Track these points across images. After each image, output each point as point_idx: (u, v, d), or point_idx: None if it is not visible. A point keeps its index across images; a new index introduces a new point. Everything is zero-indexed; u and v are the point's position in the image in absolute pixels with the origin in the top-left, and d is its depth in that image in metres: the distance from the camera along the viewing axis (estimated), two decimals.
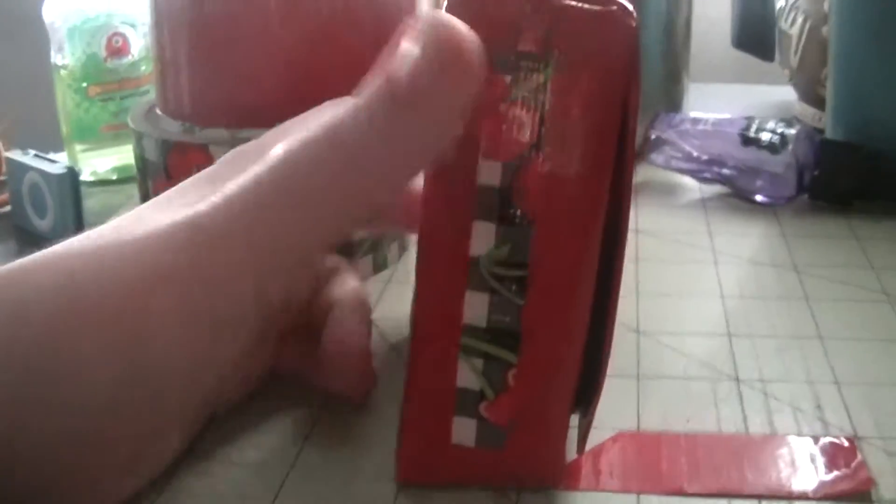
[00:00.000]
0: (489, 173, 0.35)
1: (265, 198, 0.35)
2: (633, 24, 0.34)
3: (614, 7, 0.34)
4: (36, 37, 0.84)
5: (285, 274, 0.37)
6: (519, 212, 0.35)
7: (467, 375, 0.37)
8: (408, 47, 0.34)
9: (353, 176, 0.35)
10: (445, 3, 0.35)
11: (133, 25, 0.78)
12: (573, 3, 0.34)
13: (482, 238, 0.35)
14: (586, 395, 0.39)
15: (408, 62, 0.34)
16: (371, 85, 0.35)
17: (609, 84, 0.34)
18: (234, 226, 0.35)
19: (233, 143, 0.52)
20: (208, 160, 0.52)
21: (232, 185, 0.35)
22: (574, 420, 0.40)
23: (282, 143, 0.36)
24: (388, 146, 0.35)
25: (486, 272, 0.35)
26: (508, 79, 0.34)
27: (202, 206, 0.35)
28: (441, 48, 0.33)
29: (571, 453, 0.41)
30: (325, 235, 0.37)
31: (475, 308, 0.36)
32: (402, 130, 0.34)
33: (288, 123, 0.40)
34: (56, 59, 0.79)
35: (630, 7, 0.34)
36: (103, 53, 0.78)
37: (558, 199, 0.34)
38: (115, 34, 0.78)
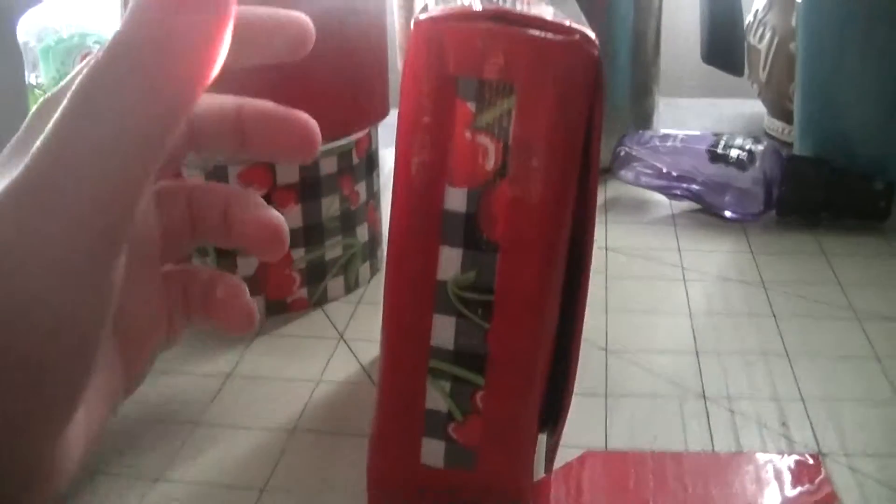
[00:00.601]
0: (455, 199, 0.35)
1: (69, 138, 0.34)
2: (595, 53, 0.34)
3: (577, 36, 0.34)
4: (10, 57, 0.84)
5: (117, 200, 0.36)
6: (484, 237, 0.35)
7: (435, 397, 0.37)
8: None
9: (133, 88, 0.34)
10: (412, 30, 0.35)
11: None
12: (536, 32, 0.34)
13: (448, 263, 0.36)
14: (553, 414, 0.40)
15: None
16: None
17: (572, 112, 0.34)
18: (52, 180, 0.34)
19: (201, 163, 0.52)
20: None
21: (38, 142, 0.34)
22: (542, 439, 0.41)
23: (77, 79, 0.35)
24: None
25: (452, 296, 0.36)
26: (473, 106, 0.35)
27: (18, 174, 0.34)
28: None
29: (540, 472, 0.41)
30: (139, 149, 0.36)
31: (442, 331, 0.36)
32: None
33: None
34: (31, 78, 0.80)
35: (592, 36, 0.35)
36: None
37: (523, 224, 0.35)
38: (89, 54, 0.78)
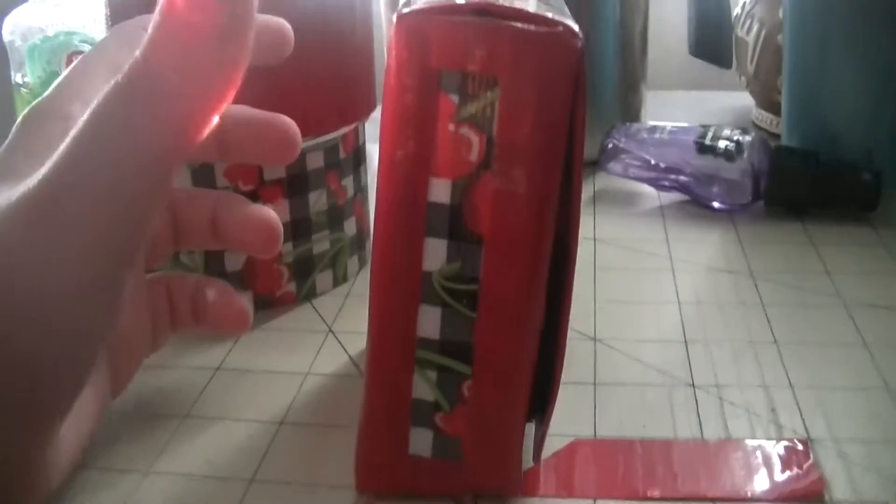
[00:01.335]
0: (439, 191, 0.35)
1: (87, 157, 0.34)
2: (579, 45, 0.34)
3: (559, 28, 0.34)
4: None
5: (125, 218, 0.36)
6: (469, 229, 0.35)
7: (422, 387, 0.37)
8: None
9: (153, 114, 0.35)
10: (394, 22, 0.35)
11: (92, 44, 0.78)
12: (519, 24, 0.34)
13: (434, 254, 0.36)
14: (541, 403, 0.40)
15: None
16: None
17: (555, 104, 0.35)
18: (69, 197, 0.34)
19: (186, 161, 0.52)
20: None
21: (55, 157, 0.34)
22: (530, 427, 0.41)
23: (84, 107, 0.35)
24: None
25: (438, 286, 0.36)
26: (456, 99, 0.35)
27: (31, 188, 0.34)
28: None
29: (528, 462, 0.41)
30: (155, 171, 0.36)
31: (428, 321, 0.36)
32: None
33: (78, 69, 0.39)
34: (16, 77, 0.80)
35: (576, 28, 0.35)
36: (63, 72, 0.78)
37: (507, 216, 0.35)
38: (75, 53, 0.78)
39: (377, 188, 0.37)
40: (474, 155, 0.35)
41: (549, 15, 0.34)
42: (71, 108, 0.37)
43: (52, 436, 0.36)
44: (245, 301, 0.46)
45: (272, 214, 0.43)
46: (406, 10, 0.35)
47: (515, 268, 0.35)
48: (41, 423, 0.35)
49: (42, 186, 0.33)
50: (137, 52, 0.34)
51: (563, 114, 0.35)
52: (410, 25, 0.35)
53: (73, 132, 0.34)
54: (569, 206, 0.37)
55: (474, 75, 0.34)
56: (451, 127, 0.35)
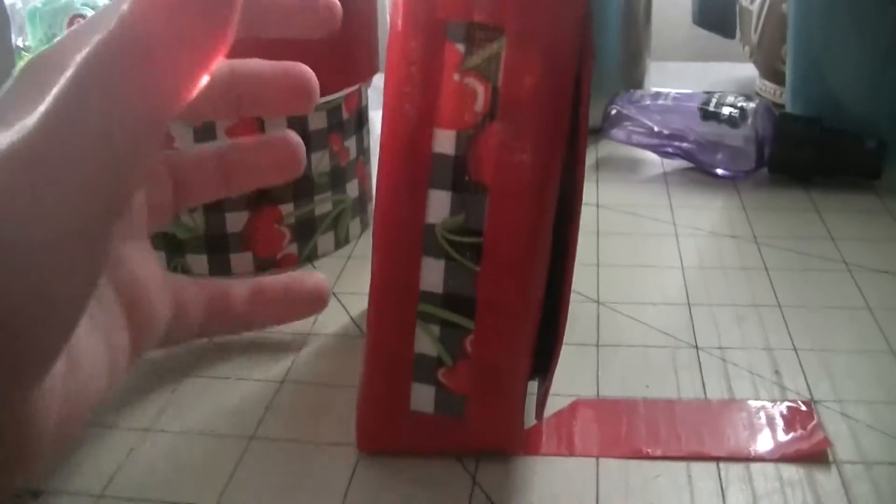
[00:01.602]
0: (443, 142, 0.35)
1: (75, 107, 0.34)
2: None
3: None
4: None
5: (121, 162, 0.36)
6: (473, 180, 0.35)
7: (424, 342, 0.37)
8: None
9: (139, 69, 0.34)
10: None
11: (94, 8, 0.78)
12: None
13: (437, 206, 0.35)
14: (544, 362, 0.40)
15: None
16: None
17: (561, 57, 0.34)
18: (58, 145, 0.34)
19: (189, 120, 0.52)
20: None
21: (43, 107, 0.34)
22: (532, 387, 0.41)
23: (79, 52, 0.35)
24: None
25: (441, 239, 0.36)
26: (462, 48, 0.34)
27: (20, 137, 0.34)
28: None
29: (530, 420, 0.41)
30: (145, 123, 0.36)
31: (431, 274, 0.36)
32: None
33: (84, 25, 0.39)
34: (18, 41, 0.79)
35: None
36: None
37: (512, 168, 0.35)
38: (77, 16, 0.77)
39: (381, 139, 0.36)
40: (479, 105, 0.34)
41: None
42: (70, 61, 0.37)
43: (34, 390, 0.36)
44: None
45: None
46: None
47: (519, 220, 0.35)
48: (21, 378, 0.35)
49: (30, 134, 0.33)
50: (125, 5, 0.34)
51: (569, 65, 0.34)
52: None
53: (61, 82, 0.33)
54: (574, 163, 0.37)
55: (480, 25, 0.34)
56: (457, 77, 0.34)
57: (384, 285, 0.37)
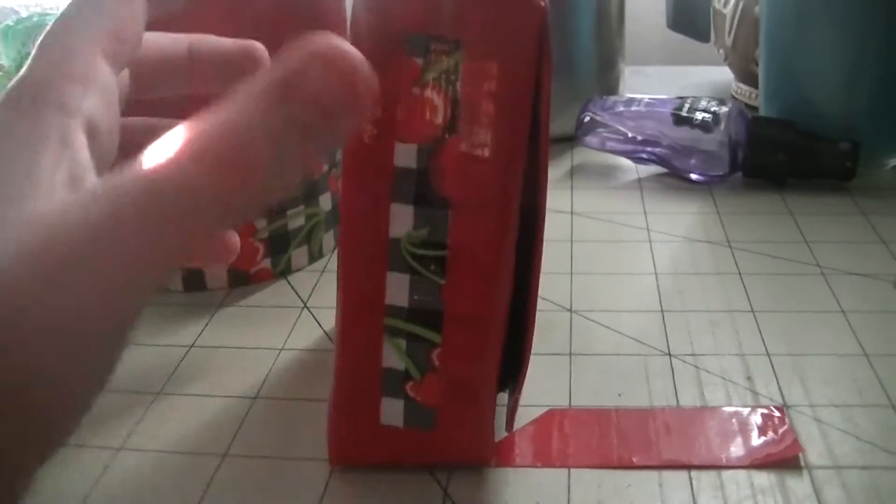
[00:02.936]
0: (405, 156, 0.35)
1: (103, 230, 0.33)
2: (542, 6, 0.34)
3: None
4: None
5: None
6: (436, 193, 0.35)
7: (392, 356, 0.37)
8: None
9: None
10: None
11: None
12: None
13: (400, 220, 0.35)
14: (513, 372, 0.40)
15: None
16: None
17: (519, 67, 0.34)
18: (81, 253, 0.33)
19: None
20: None
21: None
22: (503, 398, 0.41)
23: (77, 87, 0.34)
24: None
25: (406, 253, 0.36)
26: (420, 62, 0.34)
27: (38, 238, 0.32)
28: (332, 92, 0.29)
29: (501, 431, 0.41)
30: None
31: (397, 288, 0.36)
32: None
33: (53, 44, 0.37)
34: None
35: None
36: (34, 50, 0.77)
37: (473, 180, 0.35)
38: None
39: (343, 155, 0.36)
40: (439, 118, 0.34)
41: None
42: (64, 93, 0.35)
43: (34, 474, 0.35)
44: None
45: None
46: None
47: (483, 232, 0.35)
48: (28, 461, 0.35)
49: (50, 236, 0.32)
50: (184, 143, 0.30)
51: (528, 75, 0.34)
52: None
53: (90, 193, 0.32)
54: (537, 172, 0.37)
55: (438, 38, 0.34)
56: (416, 90, 0.34)
57: (351, 300, 0.37)
